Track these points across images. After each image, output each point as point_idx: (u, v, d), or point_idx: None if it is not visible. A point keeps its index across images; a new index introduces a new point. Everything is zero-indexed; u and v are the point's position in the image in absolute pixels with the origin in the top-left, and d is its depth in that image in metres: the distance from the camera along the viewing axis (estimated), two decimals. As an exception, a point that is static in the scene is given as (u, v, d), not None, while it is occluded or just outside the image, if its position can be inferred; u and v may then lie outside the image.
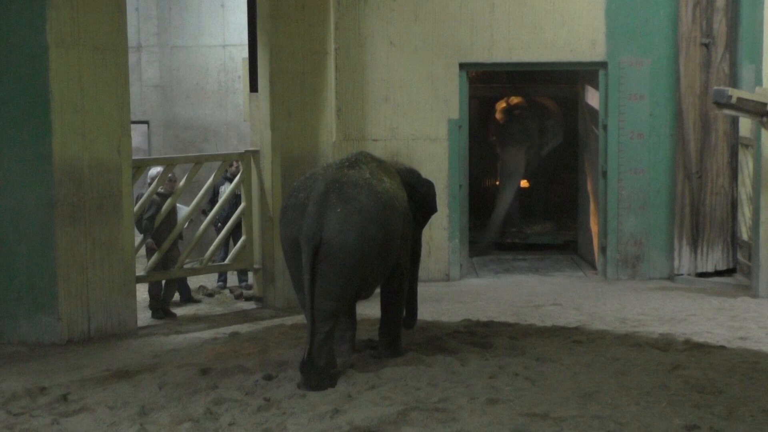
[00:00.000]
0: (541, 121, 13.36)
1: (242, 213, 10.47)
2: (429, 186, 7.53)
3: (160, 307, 9.95)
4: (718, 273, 11.72)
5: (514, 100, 13.85)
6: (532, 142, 13.27)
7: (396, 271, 7.10)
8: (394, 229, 6.79)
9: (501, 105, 14.02)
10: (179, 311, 10.18)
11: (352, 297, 6.79)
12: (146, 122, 13.84)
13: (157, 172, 10.07)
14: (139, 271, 9.57)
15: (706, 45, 11.56)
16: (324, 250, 6.47)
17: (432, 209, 7.55)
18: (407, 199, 7.16)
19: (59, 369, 7.48)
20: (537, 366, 6.80)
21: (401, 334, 7.38)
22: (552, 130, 13.48)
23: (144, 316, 9.65)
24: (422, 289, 7.88)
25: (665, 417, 5.54)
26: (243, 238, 10.49)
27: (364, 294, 6.97)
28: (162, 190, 9.93)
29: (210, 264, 10.53)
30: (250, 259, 10.47)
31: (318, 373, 6.43)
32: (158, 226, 9.86)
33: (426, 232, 10.06)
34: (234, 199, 10.75)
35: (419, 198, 7.39)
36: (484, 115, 14.72)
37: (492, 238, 13.25)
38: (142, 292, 10.06)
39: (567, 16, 11.73)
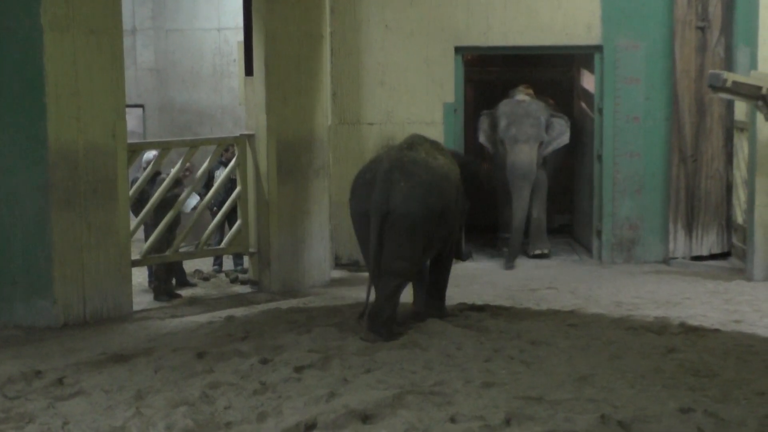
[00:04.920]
0: (549, 116, 12.56)
1: (237, 197, 10.47)
2: (478, 164, 8.82)
3: (163, 290, 9.97)
4: (712, 256, 11.74)
5: (522, 96, 12.51)
6: (543, 138, 12.15)
7: (450, 237, 7.97)
8: (450, 198, 7.76)
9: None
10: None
11: (418, 258, 7.67)
12: (141, 106, 13.80)
13: (153, 156, 10.06)
14: (135, 255, 9.57)
15: (702, 28, 11.55)
16: (391, 219, 7.41)
17: (483, 184, 8.71)
18: (459, 174, 8.06)
19: (55, 353, 7.49)
20: (532, 349, 6.82)
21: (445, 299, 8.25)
22: (559, 127, 12.31)
23: (139, 300, 9.64)
24: (418, 273, 7.93)
25: (660, 400, 5.56)
26: (238, 222, 10.49)
27: (427, 255, 7.91)
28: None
29: (205, 248, 10.54)
30: (246, 243, 10.48)
31: (382, 324, 7.31)
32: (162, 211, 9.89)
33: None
34: (229, 184, 10.74)
35: (469, 174, 8.30)
36: (479, 99, 14.65)
37: (517, 252, 12.04)
38: (138, 276, 10.05)
39: (563, -1, 11.72)
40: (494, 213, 13.37)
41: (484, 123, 12.53)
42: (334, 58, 11.55)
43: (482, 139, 12.54)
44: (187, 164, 10.10)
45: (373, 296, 7.54)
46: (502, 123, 12.23)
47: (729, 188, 11.69)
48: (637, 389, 5.81)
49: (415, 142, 8.06)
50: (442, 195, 7.64)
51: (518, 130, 12.12)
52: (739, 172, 11.47)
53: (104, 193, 8.78)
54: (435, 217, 7.57)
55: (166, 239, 9.94)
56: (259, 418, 5.51)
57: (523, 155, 12.08)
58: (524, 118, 12.17)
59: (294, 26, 10.23)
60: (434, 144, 8.21)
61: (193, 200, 10.37)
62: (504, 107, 12.37)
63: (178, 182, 10.07)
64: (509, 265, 11.87)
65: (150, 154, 10.18)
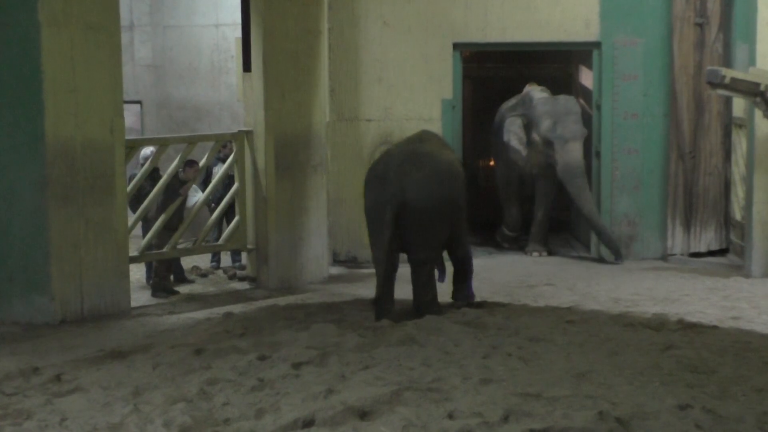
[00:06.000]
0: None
1: (235, 193, 10.47)
2: (472, 167, 9.38)
3: (161, 287, 9.97)
4: (711, 253, 11.75)
5: (543, 93, 12.28)
6: (585, 132, 11.89)
7: (463, 229, 8.47)
8: (459, 191, 8.26)
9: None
10: (172, 291, 10.18)
11: (439, 243, 8.24)
12: (139, 102, 13.79)
13: (150, 152, 10.06)
14: (132, 252, 9.56)
15: (700, 25, 11.55)
16: (408, 212, 7.86)
17: (480, 184, 9.19)
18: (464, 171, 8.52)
19: (53, 349, 7.49)
20: (530, 346, 6.81)
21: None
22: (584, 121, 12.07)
23: (137, 297, 9.63)
24: (416, 270, 7.94)
25: (658, 396, 5.56)
26: (236, 218, 10.48)
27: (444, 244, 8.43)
28: (182, 176, 9.98)
29: (203, 244, 10.53)
30: (244, 239, 10.47)
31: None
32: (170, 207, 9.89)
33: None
34: (227, 180, 10.73)
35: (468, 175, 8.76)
36: (477, 96, 14.63)
37: (611, 239, 11.74)
38: (136, 272, 10.03)
39: (561, -5, 11.70)
40: (491, 210, 13.39)
41: (513, 125, 12.16)
42: (332, 54, 11.54)
43: (513, 141, 12.11)
44: (195, 166, 10.08)
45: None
46: (545, 123, 11.98)
47: (727, 185, 11.70)
48: (635, 386, 5.80)
49: (424, 136, 8.56)
50: (451, 185, 8.13)
51: (564, 128, 11.90)
52: (738, 169, 11.47)
53: (102, 189, 8.78)
54: (448, 205, 8.07)
55: (169, 237, 9.93)
56: (257, 415, 5.50)
57: (576, 153, 11.88)
58: (566, 116, 11.96)
59: (292, 22, 10.22)
60: (442, 141, 8.81)
61: (196, 195, 10.37)
62: (543, 107, 12.10)
63: (184, 183, 10.04)
64: (618, 258, 11.69)
65: (148, 151, 10.18)
